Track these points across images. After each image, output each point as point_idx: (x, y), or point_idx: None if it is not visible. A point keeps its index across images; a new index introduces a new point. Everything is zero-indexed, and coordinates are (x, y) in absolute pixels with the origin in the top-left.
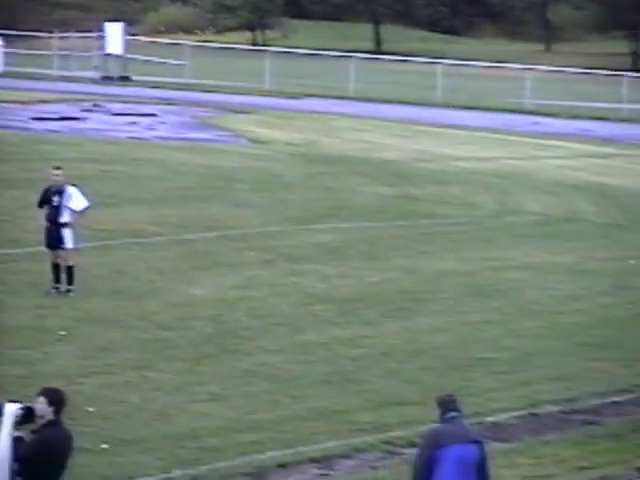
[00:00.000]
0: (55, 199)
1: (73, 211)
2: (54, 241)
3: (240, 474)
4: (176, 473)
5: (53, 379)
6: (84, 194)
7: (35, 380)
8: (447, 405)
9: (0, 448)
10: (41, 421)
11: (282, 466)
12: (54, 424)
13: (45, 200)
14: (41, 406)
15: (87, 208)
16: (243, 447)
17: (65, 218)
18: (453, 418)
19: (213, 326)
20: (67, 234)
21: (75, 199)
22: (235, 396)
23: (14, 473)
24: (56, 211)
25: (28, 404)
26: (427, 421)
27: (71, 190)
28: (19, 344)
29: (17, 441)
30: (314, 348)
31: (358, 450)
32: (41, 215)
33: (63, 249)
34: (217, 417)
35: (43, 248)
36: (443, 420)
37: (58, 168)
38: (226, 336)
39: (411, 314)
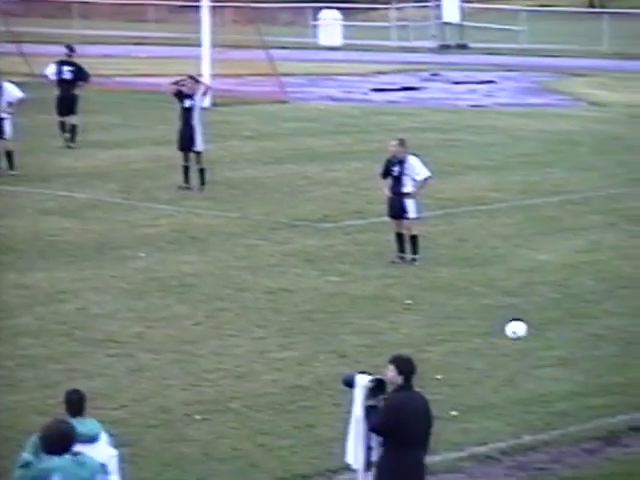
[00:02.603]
0: (395, 169)
1: (415, 181)
2: (397, 211)
3: (591, 438)
4: (526, 438)
5: (399, 348)
6: (425, 164)
7: (382, 349)
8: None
9: (355, 419)
10: (391, 388)
11: (635, 429)
12: (404, 389)
13: (387, 171)
14: (391, 374)
15: (428, 178)
16: (593, 411)
17: (407, 188)
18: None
19: (559, 290)
20: (410, 204)
21: (416, 169)
22: (583, 360)
23: (369, 445)
24: (398, 181)
25: (378, 375)
26: None
27: (412, 160)
28: (366, 314)
29: (370, 410)
30: None
31: None
32: (385, 186)
33: (406, 219)
34: (565, 381)
35: (386, 218)
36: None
37: (399, 140)
38: (572, 300)
39: None
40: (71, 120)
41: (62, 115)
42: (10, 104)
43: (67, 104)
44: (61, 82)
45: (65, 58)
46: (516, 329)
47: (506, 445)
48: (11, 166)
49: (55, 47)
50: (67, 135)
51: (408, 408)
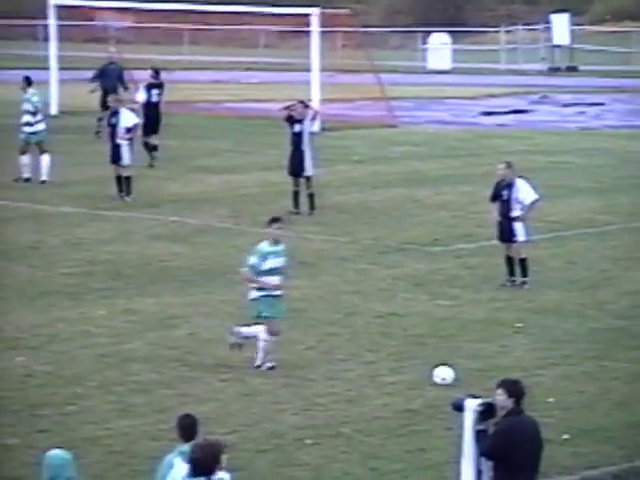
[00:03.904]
0: (504, 193)
1: (522, 204)
2: (506, 235)
3: None
4: (639, 462)
5: (511, 371)
6: (533, 187)
7: (493, 373)
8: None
9: (465, 444)
10: (501, 412)
11: None
12: (514, 413)
13: (496, 194)
14: (501, 398)
15: (536, 201)
16: None
17: (516, 212)
18: None
19: None
20: (518, 227)
21: (523, 192)
22: None
23: (479, 469)
24: (506, 205)
25: (489, 400)
26: None
27: (519, 183)
28: (476, 338)
29: (480, 434)
30: None
31: None
32: (494, 209)
33: (515, 242)
34: None
35: (496, 242)
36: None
37: (506, 163)
38: None
39: None
40: (154, 140)
41: (147, 135)
42: (128, 130)
43: (154, 125)
44: (149, 105)
45: (152, 81)
46: (444, 374)
47: (618, 469)
48: (128, 192)
49: (164, 73)
50: (153, 154)
51: (519, 432)
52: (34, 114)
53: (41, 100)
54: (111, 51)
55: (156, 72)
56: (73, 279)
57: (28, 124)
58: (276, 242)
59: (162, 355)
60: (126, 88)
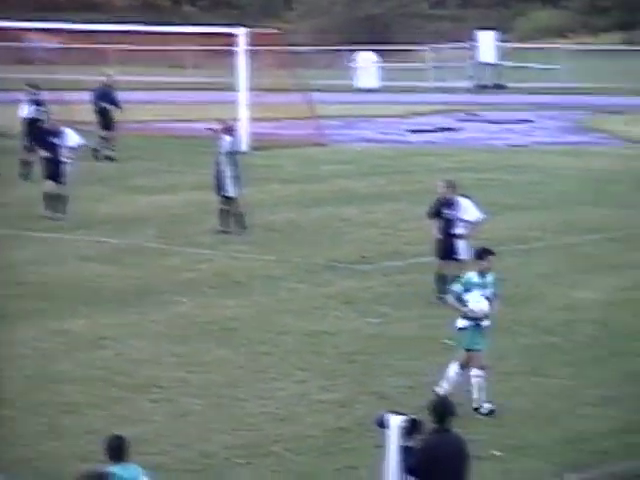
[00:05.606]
0: (447, 211)
1: (468, 222)
2: (447, 252)
3: (635, 476)
4: (570, 477)
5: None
6: (477, 204)
7: (423, 390)
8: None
9: (389, 460)
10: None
11: None
12: (440, 431)
13: (436, 212)
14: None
15: (480, 219)
16: (637, 448)
17: (459, 230)
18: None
19: (599, 329)
20: (461, 245)
21: (468, 211)
22: (625, 398)
23: None
24: (449, 223)
25: (413, 416)
26: None
27: (463, 202)
28: (406, 355)
29: (406, 451)
30: None
31: None
32: (433, 226)
33: (457, 260)
34: (608, 419)
35: (424, 259)
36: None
37: (446, 182)
38: (612, 338)
39: None
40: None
41: (31, 151)
42: (72, 149)
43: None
44: (33, 121)
45: (34, 98)
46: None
47: None
48: (64, 211)
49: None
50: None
51: (444, 449)
52: None
53: None
54: (109, 74)
55: (37, 88)
56: (2, 301)
57: None
58: (484, 273)
59: (92, 376)
60: (119, 108)
